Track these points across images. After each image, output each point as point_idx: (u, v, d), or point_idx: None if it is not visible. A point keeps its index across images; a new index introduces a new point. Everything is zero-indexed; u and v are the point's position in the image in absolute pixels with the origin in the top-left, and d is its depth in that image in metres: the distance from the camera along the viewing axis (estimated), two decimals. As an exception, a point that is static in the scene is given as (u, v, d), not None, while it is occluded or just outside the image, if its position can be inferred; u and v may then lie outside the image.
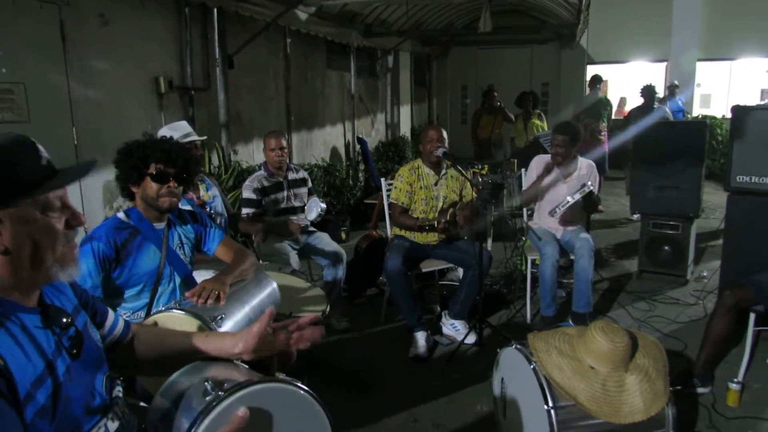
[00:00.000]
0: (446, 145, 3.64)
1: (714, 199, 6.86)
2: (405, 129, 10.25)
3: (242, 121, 5.62)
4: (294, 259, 3.59)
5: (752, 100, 10.34)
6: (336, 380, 3.21)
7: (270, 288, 2.28)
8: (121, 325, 1.39)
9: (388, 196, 3.93)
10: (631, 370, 2.16)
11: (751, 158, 3.63)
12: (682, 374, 2.99)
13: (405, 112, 10.34)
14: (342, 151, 7.80)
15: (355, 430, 2.74)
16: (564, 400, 2.11)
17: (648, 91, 6.89)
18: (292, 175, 3.86)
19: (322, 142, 7.20)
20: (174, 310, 1.92)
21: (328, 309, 2.71)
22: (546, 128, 7.04)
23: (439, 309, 4.10)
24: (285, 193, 3.78)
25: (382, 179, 4.24)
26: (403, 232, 3.74)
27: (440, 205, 3.70)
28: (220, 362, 1.32)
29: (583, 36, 10.09)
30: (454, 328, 3.68)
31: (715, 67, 11.28)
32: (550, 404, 2.09)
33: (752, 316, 3.04)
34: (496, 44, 11.26)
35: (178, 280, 2.29)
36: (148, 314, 2.14)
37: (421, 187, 3.67)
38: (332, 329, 3.76)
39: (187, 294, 2.02)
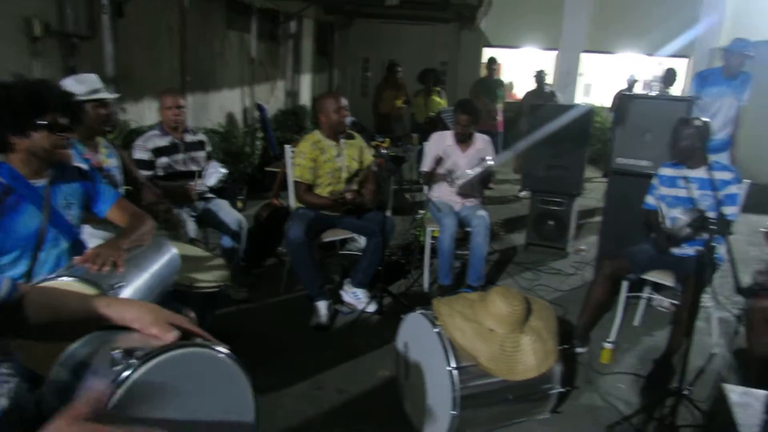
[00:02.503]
0: (349, 113, 3.62)
1: (590, 180, 7.47)
2: (305, 98, 10.07)
3: (132, 78, 5.21)
4: (191, 226, 3.43)
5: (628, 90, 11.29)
6: (236, 351, 3.13)
7: (170, 254, 2.16)
8: (6, 285, 1.23)
9: (293, 164, 3.85)
10: (526, 331, 2.32)
11: (629, 142, 3.98)
12: (564, 336, 3.25)
13: (306, 81, 10.14)
14: (239, 117, 7.50)
15: (259, 398, 2.70)
16: (465, 361, 2.23)
17: (539, 77, 7.29)
18: (189, 137, 3.66)
19: (219, 107, 6.87)
20: (64, 278, 1.72)
21: (230, 278, 2.63)
22: (446, 105, 7.22)
23: (339, 278, 4.13)
24: (181, 155, 3.59)
25: (287, 146, 4.15)
26: (309, 202, 3.70)
27: (344, 175, 3.69)
28: (127, 330, 1.22)
29: (483, 19, 10.43)
30: (356, 297, 3.72)
31: (596, 59, 12.14)
32: (453, 365, 2.19)
33: (625, 284, 3.37)
34: (399, 19, 11.31)
35: (65, 244, 2.07)
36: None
37: (325, 161, 3.62)
38: (231, 300, 3.66)
39: (77, 259, 1.84)
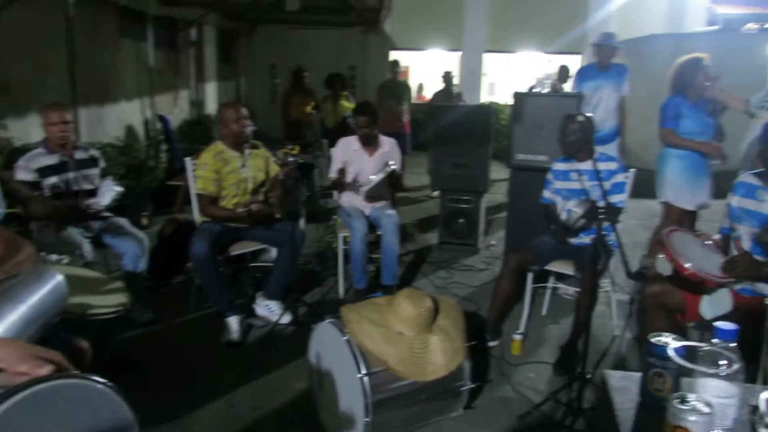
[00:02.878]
0: (251, 123, 3.54)
1: (497, 176, 7.71)
2: (211, 107, 9.77)
3: (13, 91, 4.84)
4: (87, 248, 3.22)
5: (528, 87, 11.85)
6: (144, 377, 2.97)
7: (53, 282, 1.98)
8: None
9: (194, 177, 3.71)
10: (434, 331, 2.35)
11: (528, 138, 4.15)
12: (477, 331, 3.33)
13: (211, 90, 9.86)
14: (140, 129, 7.17)
15: (169, 425, 2.58)
16: (376, 366, 2.22)
17: (446, 77, 7.47)
18: (79, 155, 3.45)
19: (116, 119, 6.54)
20: None
21: (129, 302, 2.49)
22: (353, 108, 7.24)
23: (252, 291, 4.02)
24: (72, 174, 3.37)
25: (187, 159, 3.99)
26: (214, 215, 3.58)
27: (250, 186, 3.60)
28: None
29: (387, 22, 10.58)
30: (269, 309, 3.64)
31: (499, 58, 12.64)
32: (363, 371, 2.18)
33: (530, 276, 3.50)
34: (304, 24, 11.24)
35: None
36: None
37: (229, 172, 3.51)
38: (135, 323, 3.47)
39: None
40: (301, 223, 4.66)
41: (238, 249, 3.69)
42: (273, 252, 3.96)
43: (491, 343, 3.34)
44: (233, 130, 3.49)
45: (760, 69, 7.57)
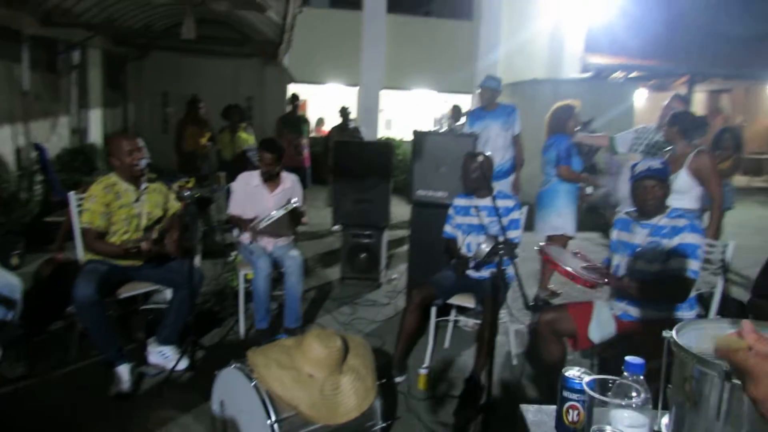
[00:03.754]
0: (147, 155, 3.35)
1: (398, 210, 7.87)
2: (95, 136, 9.15)
3: None
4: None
5: (425, 125, 12.34)
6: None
7: None
8: None
9: (79, 212, 3.43)
10: (345, 371, 2.30)
11: (427, 175, 4.27)
12: (382, 367, 3.31)
13: (95, 117, 9.24)
14: (11, 158, 6.51)
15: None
16: (286, 412, 2.13)
17: (343, 112, 7.57)
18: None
19: (-17, 148, 5.93)
20: None
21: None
22: (253, 141, 7.10)
23: (144, 336, 3.74)
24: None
25: (71, 193, 3.67)
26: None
27: (144, 222, 3.39)
28: None
29: (286, 56, 10.56)
30: (163, 356, 3.39)
31: (396, 95, 13.05)
32: (273, 418, 2.08)
33: (433, 309, 3.56)
34: (199, 53, 10.94)
35: None
36: None
37: (120, 207, 3.28)
38: (4, 379, 3.08)
39: None
40: (197, 260, 4.44)
41: (129, 291, 3.43)
42: (167, 293, 3.73)
43: (398, 379, 3.34)
44: (126, 163, 3.28)
45: (627, 113, 8.41)
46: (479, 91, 5.45)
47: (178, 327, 3.41)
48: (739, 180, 12.59)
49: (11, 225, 5.52)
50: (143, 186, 3.40)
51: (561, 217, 4.60)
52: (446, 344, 3.91)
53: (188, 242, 3.48)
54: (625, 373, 1.21)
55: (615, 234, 2.89)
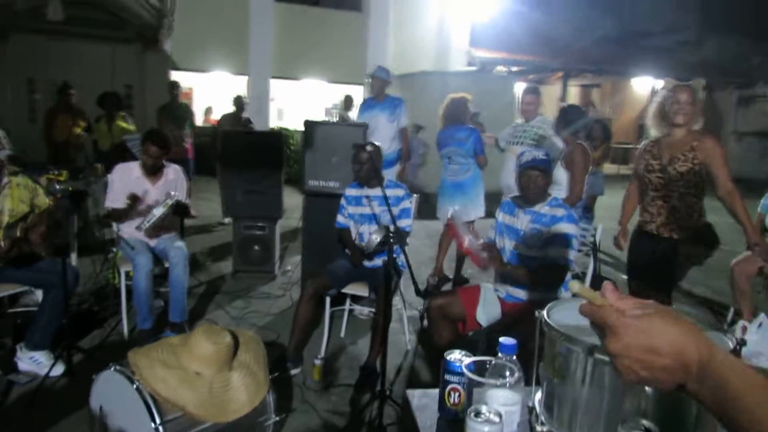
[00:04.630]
0: (6, 145, 3.05)
1: (292, 201, 7.77)
2: (-52, 125, 8.18)
3: None
4: None
5: (317, 115, 12.25)
6: None
7: None
8: None
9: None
10: (235, 367, 2.24)
11: (319, 165, 4.25)
12: (278, 360, 3.28)
13: (-54, 105, 8.25)
14: None
15: None
16: (172, 413, 2.04)
17: (238, 101, 7.31)
18: None
19: None
20: None
21: None
22: (132, 131, 6.67)
23: (12, 342, 3.41)
24: None
25: None
26: (-47, 255, 2.96)
27: (5, 219, 3.08)
28: None
29: (167, 41, 10.01)
30: (35, 362, 3.12)
31: (286, 85, 12.82)
32: (158, 421, 1.99)
33: (328, 299, 3.56)
34: (70, 36, 10.07)
35: None
36: None
37: None
38: None
39: None
40: (73, 257, 4.13)
41: (-9, 294, 3.12)
42: (38, 294, 3.43)
43: (293, 371, 3.31)
44: (-19, 155, 2.97)
45: (509, 106, 8.86)
46: (370, 80, 5.50)
47: (51, 330, 3.16)
48: (609, 168, 13.77)
49: None
50: (4, 180, 3.09)
51: (481, 204, 5.03)
52: (342, 333, 3.93)
53: (61, 239, 3.21)
54: (499, 354, 1.27)
55: (500, 216, 3.02)
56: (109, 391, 2.21)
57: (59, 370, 3.08)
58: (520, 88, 9.88)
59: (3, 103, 10.61)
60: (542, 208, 2.84)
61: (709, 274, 5.04)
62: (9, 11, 8.45)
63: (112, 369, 2.17)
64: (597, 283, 3.41)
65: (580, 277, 3.83)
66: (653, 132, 3.22)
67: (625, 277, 3.58)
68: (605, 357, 0.79)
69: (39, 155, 6.97)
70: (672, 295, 3.46)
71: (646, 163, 3.17)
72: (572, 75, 15.31)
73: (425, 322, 3.61)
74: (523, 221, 2.88)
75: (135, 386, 2.05)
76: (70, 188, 3.86)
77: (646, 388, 1.04)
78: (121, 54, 11.04)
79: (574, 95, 18.77)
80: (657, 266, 3.21)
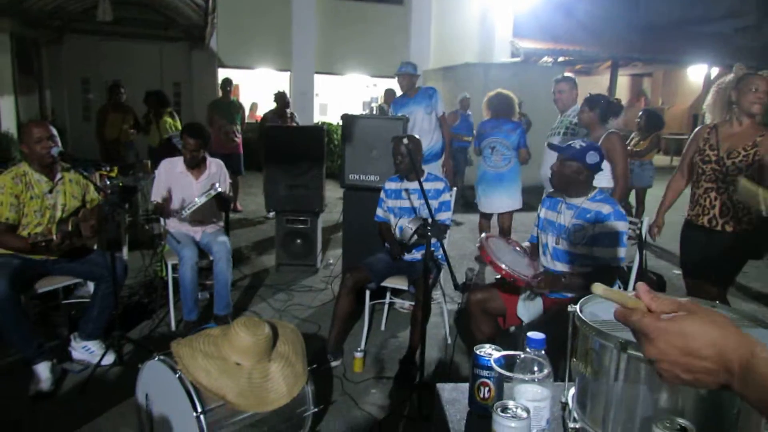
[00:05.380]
0: (59, 143, 3.17)
1: (333, 195, 7.83)
2: (8, 124, 8.59)
3: None
4: None
5: (358, 109, 12.27)
6: None
7: None
8: None
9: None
10: (274, 358, 2.28)
11: (358, 159, 4.26)
12: (318, 352, 3.32)
13: (7, 105, 8.66)
14: None
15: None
16: (213, 402, 2.09)
17: (281, 97, 7.42)
18: None
19: None
20: None
21: None
22: (179, 127, 6.86)
23: (67, 332, 3.57)
24: None
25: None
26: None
27: (59, 214, 3.21)
28: None
29: (212, 39, 10.22)
30: (88, 351, 3.26)
31: (329, 80, 12.91)
32: (199, 409, 2.04)
33: (367, 293, 3.57)
34: (121, 37, 10.43)
35: None
36: None
37: (31, 197, 3.10)
38: None
39: None
40: (124, 251, 4.28)
41: (46, 285, 3.26)
42: (90, 286, 3.57)
43: (333, 363, 3.34)
44: (35, 152, 3.10)
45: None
46: (398, 78, 5.46)
47: (103, 321, 3.28)
48: (663, 159, 13.26)
49: None
50: (58, 176, 3.23)
51: (519, 196, 5.12)
52: (382, 327, 3.94)
53: (112, 233, 3.33)
54: (528, 349, 1.24)
55: (542, 212, 2.92)
56: (153, 379, 2.28)
57: (110, 359, 3.20)
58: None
59: (59, 102, 11.09)
60: (585, 202, 2.72)
61: (765, 270, 4.81)
62: (63, 13, 8.82)
63: (156, 358, 2.24)
64: (643, 278, 3.30)
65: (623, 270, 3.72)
66: (709, 120, 3.07)
67: (676, 271, 3.46)
68: (639, 353, 0.76)
69: (93, 152, 7.26)
70: (728, 290, 3.31)
71: (702, 152, 3.02)
72: (621, 64, 14.81)
73: (464, 316, 3.57)
74: (565, 217, 2.77)
75: (177, 375, 2.11)
76: (120, 184, 4.00)
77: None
78: (169, 52, 11.37)
79: (623, 85, 18.17)
80: (711, 261, 3.07)
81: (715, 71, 14.38)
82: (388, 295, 3.90)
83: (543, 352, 1.23)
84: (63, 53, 10.98)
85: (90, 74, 11.25)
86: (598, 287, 0.79)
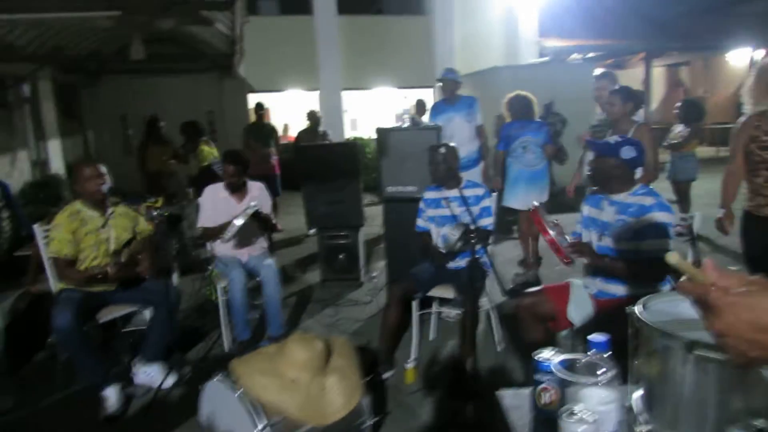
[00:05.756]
0: (108, 180, 3.32)
1: (372, 208, 7.89)
2: (57, 166, 8.98)
3: None
4: None
5: (389, 122, 12.36)
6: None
7: None
8: None
9: (46, 244, 3.38)
10: (329, 372, 2.32)
11: (395, 171, 4.30)
12: (370, 365, 3.34)
13: (54, 148, 9.06)
14: (-27, 197, 6.36)
15: None
16: (274, 417, 2.14)
17: (312, 116, 7.56)
18: None
19: (-57, 189, 5.74)
20: None
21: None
22: (216, 154, 7.05)
23: (128, 358, 3.70)
24: None
25: (36, 225, 3.62)
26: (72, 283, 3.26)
27: (113, 247, 3.36)
28: None
29: (241, 66, 10.49)
30: (149, 375, 3.37)
31: (357, 95, 13.04)
32: (260, 425, 2.09)
33: (414, 303, 3.59)
34: (154, 73, 10.80)
35: None
36: None
37: (86, 233, 3.26)
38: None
39: None
40: (175, 277, 4.40)
41: (107, 315, 3.40)
42: (146, 313, 3.70)
43: (386, 375, 3.36)
44: (87, 189, 3.26)
45: (587, 95, 8.51)
46: (440, 84, 5.50)
47: (161, 345, 3.40)
48: (707, 151, 12.73)
49: (-20, 263, 5.40)
50: (109, 211, 3.37)
51: (547, 192, 5.15)
52: (431, 336, 3.94)
53: (163, 261, 3.46)
54: (590, 351, 1.23)
55: (586, 210, 2.88)
56: (215, 399, 2.35)
57: (171, 381, 3.31)
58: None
59: (101, 140, 11.54)
60: (627, 197, 2.67)
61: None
62: (97, 56, 9.20)
63: (216, 379, 2.31)
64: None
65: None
66: (749, 107, 2.96)
67: (732, 267, 3.34)
68: (708, 353, 0.75)
69: (135, 185, 7.51)
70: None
71: (756, 139, 2.88)
72: (656, 55, 14.39)
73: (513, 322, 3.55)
74: (608, 213, 2.73)
75: (238, 394, 2.17)
76: (167, 213, 4.14)
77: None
78: (200, 83, 11.71)
79: (659, 77, 17.68)
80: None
81: (760, 54, 13.76)
82: (434, 304, 3.91)
83: (606, 354, 1.22)
84: (101, 94, 11.45)
85: (127, 111, 11.68)
86: (672, 256, 0.79)
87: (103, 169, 3.34)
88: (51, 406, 3.23)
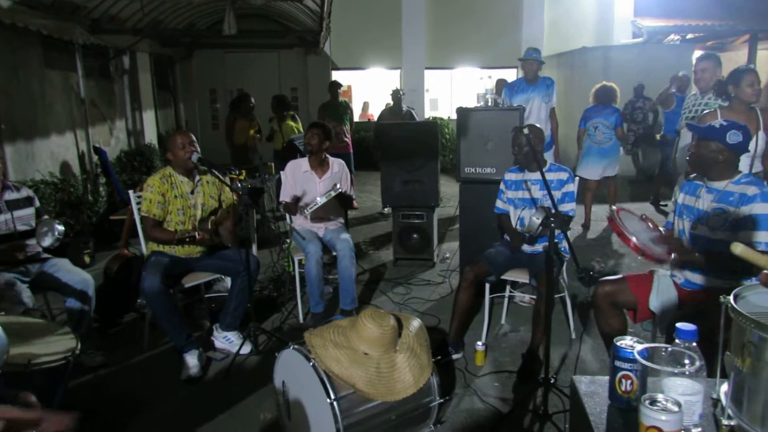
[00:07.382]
0: (198, 149, 3.47)
1: (447, 189, 7.83)
2: (150, 136, 9.51)
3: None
4: (26, 294, 3.03)
5: (470, 102, 12.13)
6: (99, 425, 2.81)
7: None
8: None
9: (138, 210, 3.59)
10: (400, 349, 2.34)
11: (474, 152, 4.22)
12: (439, 345, 3.34)
13: (149, 118, 9.59)
14: (75, 163, 6.86)
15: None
16: (344, 390, 2.19)
17: (396, 95, 7.57)
18: (10, 195, 3.25)
19: (49, 154, 6.23)
20: None
21: (78, 346, 2.35)
22: (301, 129, 7.20)
23: (209, 323, 3.90)
24: (2, 217, 3.18)
25: (130, 192, 3.85)
26: (160, 247, 3.45)
27: (199, 213, 3.51)
28: None
29: (326, 43, 10.61)
30: (228, 341, 3.54)
31: (439, 75, 12.89)
32: (332, 396, 2.14)
33: (487, 286, 3.54)
34: (242, 48, 11.15)
35: None
36: None
37: (175, 197, 3.42)
38: (85, 368, 3.28)
39: None
40: (254, 248, 4.57)
41: (191, 281, 3.58)
42: (227, 281, 3.87)
43: (455, 356, 3.36)
44: (178, 157, 3.42)
45: (685, 78, 7.97)
46: (523, 63, 5.39)
47: (240, 313, 3.54)
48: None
49: (81, 226, 5.84)
50: (197, 179, 3.53)
51: (617, 165, 6.38)
52: (502, 320, 3.89)
53: (243, 232, 3.59)
54: (677, 341, 1.17)
55: (681, 197, 2.70)
56: (289, 367, 2.43)
57: (247, 348, 3.46)
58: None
59: (191, 113, 12.08)
60: (728, 185, 2.48)
61: None
62: (192, 30, 9.59)
63: (291, 348, 2.38)
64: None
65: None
66: None
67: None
68: None
69: (221, 157, 7.83)
70: None
71: None
72: (761, 37, 13.24)
73: (590, 310, 3.43)
74: (705, 201, 2.55)
75: (311, 364, 2.23)
76: (249, 185, 4.29)
77: None
78: (286, 59, 11.97)
79: (764, 61, 16.27)
80: None
81: None
82: (507, 288, 3.84)
83: (694, 344, 1.16)
84: (193, 67, 11.96)
85: (216, 85, 12.15)
86: (737, 246, 0.73)
87: (194, 137, 3.49)
88: (136, 365, 3.45)
